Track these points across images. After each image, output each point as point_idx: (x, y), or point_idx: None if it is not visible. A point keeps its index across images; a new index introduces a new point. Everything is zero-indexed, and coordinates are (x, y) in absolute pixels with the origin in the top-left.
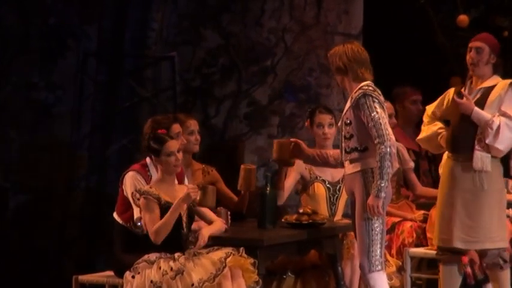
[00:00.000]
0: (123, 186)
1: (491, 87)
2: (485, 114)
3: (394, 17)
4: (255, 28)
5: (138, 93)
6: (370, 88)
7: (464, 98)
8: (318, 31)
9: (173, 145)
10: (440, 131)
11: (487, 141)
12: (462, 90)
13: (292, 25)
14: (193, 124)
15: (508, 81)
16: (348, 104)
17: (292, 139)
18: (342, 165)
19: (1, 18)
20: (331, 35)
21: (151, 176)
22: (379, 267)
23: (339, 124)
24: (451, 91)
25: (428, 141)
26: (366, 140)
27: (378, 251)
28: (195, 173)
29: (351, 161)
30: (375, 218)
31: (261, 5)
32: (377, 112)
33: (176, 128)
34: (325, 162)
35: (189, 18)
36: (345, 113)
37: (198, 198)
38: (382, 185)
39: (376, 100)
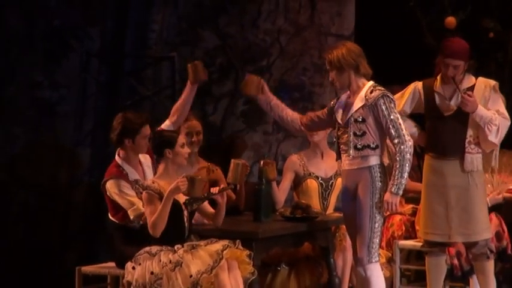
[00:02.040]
0: (108, 194)
1: (471, 88)
2: (487, 111)
3: (385, 19)
4: (251, 29)
5: (139, 92)
6: (384, 88)
7: (470, 96)
8: (312, 32)
9: (181, 138)
10: (414, 129)
11: (489, 138)
12: (467, 92)
13: (287, 27)
14: (191, 125)
15: (491, 82)
16: (360, 102)
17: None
18: (296, 132)
19: (7, 20)
20: (325, 36)
21: (127, 173)
22: (377, 258)
23: (345, 120)
24: (419, 86)
25: None
26: (379, 138)
27: (377, 243)
28: (200, 170)
29: (362, 157)
30: (378, 211)
31: (257, 7)
32: (395, 113)
33: (147, 130)
34: (278, 116)
35: (188, 19)
36: (357, 111)
37: (186, 189)
38: (403, 182)
39: (393, 101)
